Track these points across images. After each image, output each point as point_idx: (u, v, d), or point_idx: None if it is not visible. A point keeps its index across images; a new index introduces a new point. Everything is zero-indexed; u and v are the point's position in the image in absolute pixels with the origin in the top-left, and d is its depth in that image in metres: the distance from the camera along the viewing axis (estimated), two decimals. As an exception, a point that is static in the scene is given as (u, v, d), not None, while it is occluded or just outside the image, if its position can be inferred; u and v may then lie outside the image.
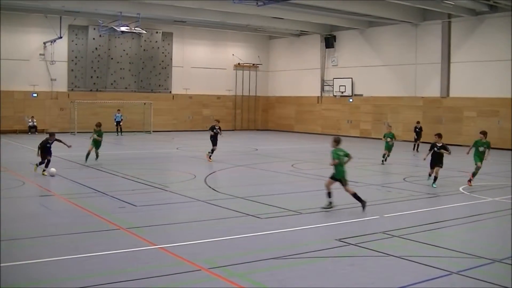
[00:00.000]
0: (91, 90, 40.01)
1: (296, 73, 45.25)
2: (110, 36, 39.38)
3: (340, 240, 9.99)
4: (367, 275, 8.08)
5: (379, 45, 38.80)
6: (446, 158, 16.96)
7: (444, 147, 16.41)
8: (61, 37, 37.65)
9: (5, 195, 13.80)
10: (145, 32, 37.30)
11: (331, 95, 42.00)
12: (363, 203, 12.68)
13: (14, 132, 36.85)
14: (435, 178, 16.33)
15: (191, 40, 44.00)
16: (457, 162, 22.67)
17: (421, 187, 16.86)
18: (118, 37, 39.86)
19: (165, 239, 9.95)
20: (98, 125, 21.40)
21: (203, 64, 44.59)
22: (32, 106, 37.84)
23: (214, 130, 22.74)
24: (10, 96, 36.88)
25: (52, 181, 16.45)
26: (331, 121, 42.21)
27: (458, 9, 31.49)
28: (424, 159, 17.01)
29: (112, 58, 40.77)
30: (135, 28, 34.29)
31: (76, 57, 39.54)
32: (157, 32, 41.83)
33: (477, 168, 16.73)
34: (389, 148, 23.09)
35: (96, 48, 39.74)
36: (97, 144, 21.09)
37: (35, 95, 38.05)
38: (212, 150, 22.63)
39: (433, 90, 35.13)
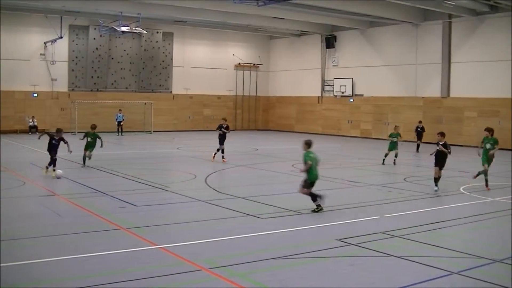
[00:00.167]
0: (91, 90, 40.02)
1: (297, 73, 45.26)
2: (111, 36, 39.40)
3: (340, 240, 9.99)
4: (368, 275, 8.08)
5: (379, 45, 38.80)
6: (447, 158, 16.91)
7: (445, 145, 15.97)
8: (61, 37, 37.67)
9: (5, 195, 13.81)
10: (145, 32, 37.32)
11: (332, 95, 42.00)
12: (321, 198, 12.51)
13: (15, 132, 36.86)
14: (436, 180, 15.91)
15: (192, 40, 44.01)
16: (458, 162, 22.65)
17: (421, 187, 16.85)
18: (119, 37, 39.88)
19: (166, 239, 9.95)
20: (93, 127, 20.27)
21: (203, 64, 44.60)
22: (32, 106, 37.86)
23: (222, 129, 22.47)
24: (10, 96, 36.90)
25: (53, 181, 16.45)
26: (331, 121, 42.21)
27: (458, 9, 31.49)
28: (431, 154, 16.59)
29: (112, 58, 40.79)
30: (136, 28, 34.31)
31: (76, 57, 39.55)
32: (157, 32, 41.84)
33: (483, 171, 16.30)
34: (392, 148, 22.81)
35: (96, 48, 39.75)
36: (90, 146, 19.96)
37: (36, 95, 38.07)
38: (218, 150, 22.45)
39: (433, 90, 35.13)
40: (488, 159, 16.43)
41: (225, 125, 22.66)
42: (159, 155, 25.90)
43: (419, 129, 29.30)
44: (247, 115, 47.10)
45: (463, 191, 15.86)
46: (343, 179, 18.27)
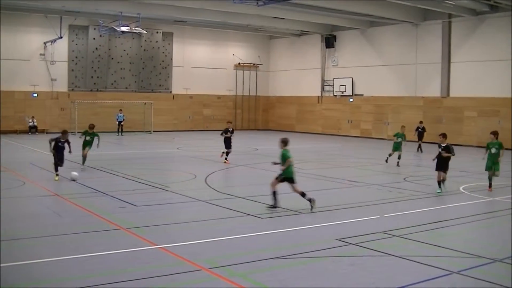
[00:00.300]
0: (91, 90, 40.02)
1: (297, 73, 45.26)
2: (111, 36, 39.40)
3: (340, 240, 9.99)
4: (368, 275, 8.08)
5: (379, 45, 38.80)
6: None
7: (448, 148, 15.28)
8: (61, 37, 37.68)
9: (5, 195, 13.81)
10: (145, 32, 37.33)
11: (332, 95, 42.00)
12: (311, 201, 12.55)
13: (15, 132, 36.86)
14: (440, 182, 15.35)
15: (192, 40, 44.02)
16: (458, 161, 22.60)
17: (421, 187, 16.85)
18: (119, 37, 39.89)
19: (166, 239, 9.95)
20: (91, 127, 19.76)
21: (203, 64, 44.61)
22: (32, 106, 37.86)
23: (228, 133, 22.19)
24: (10, 96, 36.90)
25: (52, 181, 16.45)
26: (331, 121, 42.22)
27: (458, 9, 31.49)
28: (433, 159, 15.90)
29: (112, 58, 40.79)
30: (136, 28, 34.31)
31: (76, 57, 39.55)
32: (157, 32, 41.84)
33: (489, 178, 15.91)
34: (396, 149, 22.48)
35: (96, 48, 39.76)
36: (88, 145, 19.45)
37: (36, 95, 38.07)
38: (227, 153, 22.25)
39: (433, 90, 35.13)
40: (493, 162, 15.84)
41: (231, 129, 22.48)
42: (159, 155, 25.90)
43: (419, 129, 29.02)
44: (247, 115, 47.10)
45: (463, 191, 15.86)
46: (343, 178, 18.27)
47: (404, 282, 7.73)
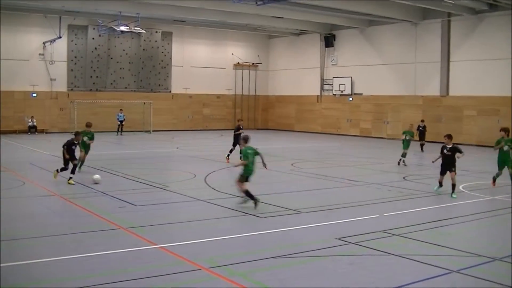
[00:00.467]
0: (90, 90, 40.01)
1: (296, 72, 45.26)
2: (110, 36, 39.38)
3: (340, 239, 10.00)
4: (367, 274, 8.09)
5: (379, 44, 38.79)
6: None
7: (456, 148, 14.71)
8: (60, 37, 37.65)
9: (5, 195, 13.81)
10: (144, 31, 37.31)
11: (331, 94, 41.99)
12: (255, 200, 12.58)
13: (14, 132, 36.85)
14: (453, 186, 14.56)
15: (191, 40, 44.00)
16: (458, 161, 22.60)
17: (421, 186, 16.86)
18: (118, 37, 39.88)
19: (166, 238, 9.96)
20: (89, 125, 18.88)
21: (203, 63, 44.60)
22: (32, 106, 37.85)
23: (240, 131, 22.15)
24: (10, 96, 36.88)
25: (52, 181, 16.44)
26: (331, 120, 42.22)
27: (458, 8, 31.48)
28: (433, 161, 15.77)
29: (111, 58, 40.78)
30: (135, 28, 34.30)
31: (75, 57, 39.54)
32: (156, 32, 41.83)
33: (497, 175, 15.76)
34: (407, 147, 22.10)
35: (95, 48, 39.74)
36: (85, 147, 18.45)
37: (35, 95, 38.05)
38: (230, 150, 22.30)
39: (433, 89, 35.13)
40: (504, 160, 15.61)
41: (242, 127, 22.55)
42: (159, 155, 25.90)
43: (421, 128, 28.87)
44: (247, 114, 47.07)
45: (463, 190, 15.85)
46: (343, 178, 18.27)
47: (404, 281, 7.73)
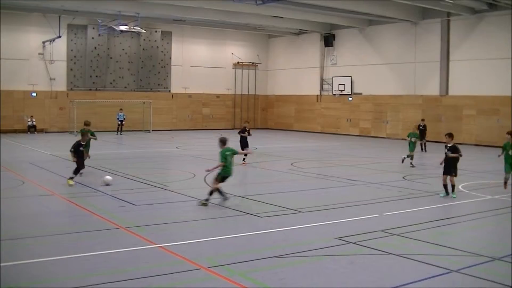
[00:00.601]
0: (90, 90, 40.00)
1: (296, 72, 45.26)
2: (109, 35, 39.39)
3: (340, 238, 10.00)
4: (367, 273, 8.09)
5: (378, 44, 38.80)
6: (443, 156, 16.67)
7: (454, 148, 14.43)
8: (60, 37, 37.64)
9: (5, 195, 13.80)
10: (144, 31, 37.31)
11: (331, 93, 42.00)
12: (225, 197, 12.91)
13: (14, 131, 36.83)
14: (453, 187, 14.47)
15: (190, 39, 44.00)
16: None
17: (421, 185, 16.86)
18: (117, 36, 39.88)
19: (165, 238, 9.95)
20: (88, 123, 18.46)
21: (202, 63, 44.60)
22: (31, 105, 37.83)
23: (245, 133, 21.97)
24: (9, 96, 36.87)
25: (52, 181, 16.44)
26: (330, 120, 42.23)
27: (457, 7, 31.50)
28: (441, 163, 14.88)
29: (111, 57, 40.77)
30: (134, 27, 34.30)
31: (75, 57, 39.53)
32: (156, 31, 41.83)
33: (506, 178, 15.40)
34: (412, 149, 21.72)
35: (95, 48, 39.74)
36: (86, 146, 17.33)
37: (35, 94, 38.04)
38: (246, 154, 21.71)
39: (432, 88, 35.14)
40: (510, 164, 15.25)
41: (248, 129, 22.24)
42: (158, 154, 25.89)
43: (421, 127, 28.48)
44: (246, 114, 47.04)
45: (462, 189, 15.85)
46: (342, 177, 18.27)
47: (404, 280, 7.73)
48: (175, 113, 43.58)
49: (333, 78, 41.53)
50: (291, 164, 21.75)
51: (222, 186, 13.33)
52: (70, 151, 15.86)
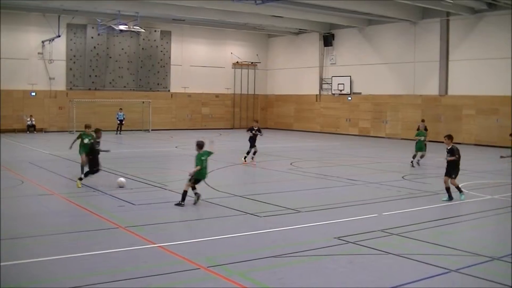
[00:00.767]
0: (89, 89, 39.98)
1: (295, 72, 45.24)
2: (109, 34, 39.36)
3: (339, 238, 10.00)
4: (366, 273, 8.09)
5: (377, 43, 38.80)
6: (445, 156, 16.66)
7: (452, 150, 13.90)
8: (59, 36, 37.61)
9: (4, 194, 13.79)
10: (143, 30, 37.26)
11: (330, 93, 41.99)
12: (181, 202, 12.87)
13: (13, 131, 36.82)
14: (458, 188, 13.96)
15: (190, 39, 43.98)
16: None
17: (420, 185, 16.87)
18: (117, 36, 39.85)
19: (164, 237, 9.95)
20: (88, 126, 17.18)
21: (201, 62, 44.57)
22: (31, 105, 37.79)
23: (253, 131, 21.79)
24: (9, 95, 36.83)
25: (51, 180, 16.43)
26: (330, 120, 42.22)
27: (457, 7, 31.49)
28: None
29: (110, 57, 40.74)
30: (134, 27, 34.25)
31: (74, 56, 39.50)
32: (155, 31, 41.81)
33: None
34: (420, 148, 21.44)
35: (94, 47, 39.71)
36: (86, 149, 16.51)
37: (34, 94, 38.01)
38: (248, 152, 21.68)
39: (432, 88, 35.14)
40: None
41: (256, 127, 22.06)
42: (158, 154, 25.89)
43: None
44: (246, 113, 47.05)
45: (462, 189, 15.84)
46: (342, 177, 18.27)
47: (403, 280, 7.73)
48: (174, 113, 43.56)
49: (333, 77, 41.52)
50: (291, 164, 21.75)
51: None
52: (86, 154, 15.66)
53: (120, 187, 15.24)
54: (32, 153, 24.61)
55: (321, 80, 42.87)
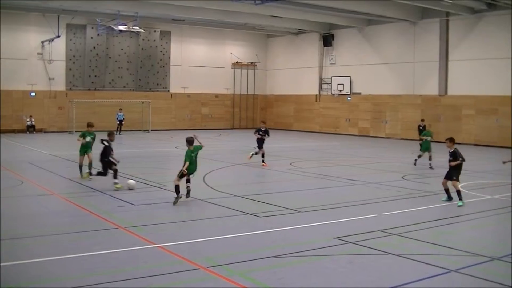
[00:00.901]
0: (89, 89, 39.98)
1: (295, 72, 45.24)
2: (108, 35, 39.35)
3: (339, 238, 10.00)
4: (366, 273, 8.09)
5: (377, 44, 38.80)
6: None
7: (455, 154, 13.57)
8: (59, 36, 37.60)
9: (4, 195, 13.78)
10: (143, 31, 37.25)
11: (330, 93, 41.99)
12: (177, 196, 13.07)
13: (13, 131, 36.80)
14: (457, 192, 13.44)
15: (189, 39, 43.98)
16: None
17: (420, 185, 16.87)
18: (116, 36, 39.85)
19: (164, 237, 9.95)
20: (91, 125, 17.56)
21: (201, 62, 44.58)
22: (30, 105, 37.78)
23: (260, 133, 21.53)
24: (8, 96, 36.82)
25: (51, 181, 16.42)
26: (329, 120, 42.22)
27: (456, 7, 31.50)
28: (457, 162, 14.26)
29: (110, 57, 40.74)
30: (133, 27, 34.25)
31: (74, 56, 39.49)
32: (155, 31, 41.80)
33: None
34: (427, 149, 21.10)
35: (94, 47, 39.71)
36: (89, 148, 17.13)
37: (34, 94, 37.99)
38: (256, 153, 21.31)
39: (431, 88, 35.15)
40: None
41: (264, 129, 21.77)
42: (157, 154, 25.88)
43: (421, 127, 28.00)
44: (245, 113, 47.07)
45: (462, 189, 15.84)
46: (341, 177, 18.27)
47: (403, 280, 7.74)
48: (174, 113, 43.56)
49: (332, 78, 41.52)
50: (290, 164, 21.75)
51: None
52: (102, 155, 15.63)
53: (129, 189, 14.99)
54: (32, 153, 24.60)
55: (321, 80, 42.88)
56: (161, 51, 42.63)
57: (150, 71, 42.16)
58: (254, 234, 10.39)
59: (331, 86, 41.63)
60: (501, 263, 8.69)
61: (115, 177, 15.22)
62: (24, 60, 37.50)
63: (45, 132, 37.95)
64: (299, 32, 44.18)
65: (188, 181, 13.53)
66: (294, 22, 39.63)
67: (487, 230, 11.45)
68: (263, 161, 21.13)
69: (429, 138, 21.30)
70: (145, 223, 11.08)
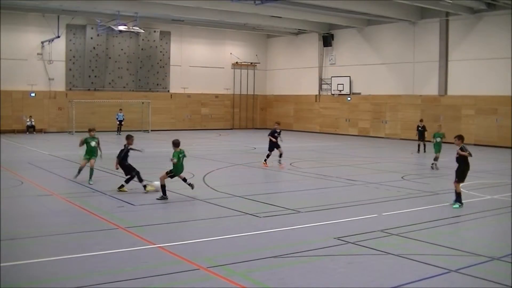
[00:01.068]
0: (89, 90, 39.98)
1: (294, 72, 45.26)
2: (108, 35, 39.36)
3: (338, 238, 10.00)
4: (366, 273, 8.09)
5: (377, 44, 38.81)
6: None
7: (461, 149, 13.56)
8: (59, 37, 37.61)
9: (3, 195, 13.79)
10: (143, 31, 37.27)
11: (329, 93, 42.00)
12: (191, 186, 14.00)
13: (13, 131, 36.81)
14: (457, 194, 13.32)
15: (189, 39, 43.99)
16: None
17: (419, 185, 16.87)
18: (116, 36, 39.87)
19: (164, 238, 9.95)
20: (93, 129, 17.18)
21: (201, 63, 44.59)
22: (30, 105, 37.79)
23: (275, 134, 21.06)
24: (8, 96, 36.83)
25: (51, 181, 16.42)
26: (329, 120, 42.23)
27: (456, 7, 31.51)
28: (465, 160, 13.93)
29: (110, 57, 40.75)
30: (133, 27, 34.27)
31: (74, 57, 39.50)
32: (155, 31, 41.81)
33: None
34: (438, 150, 20.93)
35: (94, 47, 39.71)
36: (93, 153, 16.77)
37: (33, 94, 38.00)
38: (268, 156, 21.01)
39: (431, 88, 35.16)
40: None
41: (279, 130, 21.37)
42: (157, 154, 25.86)
43: (420, 128, 27.58)
44: (245, 113, 47.09)
45: (462, 189, 15.84)
46: (341, 177, 18.28)
47: (403, 280, 7.74)
48: (173, 113, 43.56)
49: (332, 78, 41.53)
50: (290, 164, 21.75)
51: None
52: (118, 157, 15.49)
53: (156, 190, 14.52)
54: (32, 154, 24.61)
55: (321, 80, 42.89)
56: (161, 51, 42.63)
57: (150, 71, 42.17)
58: (254, 234, 10.39)
59: (331, 86, 41.64)
60: (501, 263, 8.69)
61: (140, 180, 15.08)
62: (24, 61, 37.51)
63: (45, 132, 37.95)
64: (299, 32, 44.20)
65: (184, 180, 13.99)
66: (294, 22, 39.64)
67: (487, 230, 11.45)
68: (279, 161, 20.98)
69: (438, 139, 21.14)
70: (145, 224, 11.08)
